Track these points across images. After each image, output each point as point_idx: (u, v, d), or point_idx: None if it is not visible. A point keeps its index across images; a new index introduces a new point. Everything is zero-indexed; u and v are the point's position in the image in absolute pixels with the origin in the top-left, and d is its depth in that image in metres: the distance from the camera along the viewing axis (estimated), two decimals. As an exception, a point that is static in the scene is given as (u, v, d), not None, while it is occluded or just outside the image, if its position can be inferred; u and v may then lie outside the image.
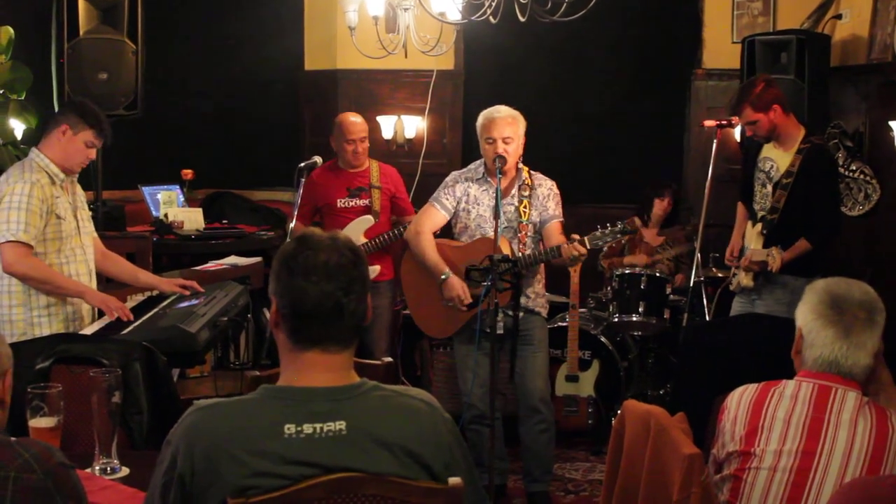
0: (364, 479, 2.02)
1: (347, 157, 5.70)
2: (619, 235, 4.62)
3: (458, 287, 4.75)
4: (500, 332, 4.71)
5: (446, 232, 5.07)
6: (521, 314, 4.82)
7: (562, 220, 4.86)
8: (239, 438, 2.00)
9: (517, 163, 4.83)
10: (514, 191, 4.84)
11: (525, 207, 4.80)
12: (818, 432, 2.51)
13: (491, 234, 4.71)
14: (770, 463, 2.53)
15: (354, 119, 5.77)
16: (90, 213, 4.48)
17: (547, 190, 4.87)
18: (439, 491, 2.08)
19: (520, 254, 4.73)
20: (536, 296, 4.92)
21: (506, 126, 4.72)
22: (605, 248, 4.92)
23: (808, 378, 2.58)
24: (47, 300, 4.12)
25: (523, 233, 4.79)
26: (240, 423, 2.03)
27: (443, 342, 5.74)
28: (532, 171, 4.90)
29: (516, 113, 4.80)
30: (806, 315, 2.60)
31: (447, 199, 4.92)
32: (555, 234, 4.77)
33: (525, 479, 4.99)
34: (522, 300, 4.83)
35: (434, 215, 4.93)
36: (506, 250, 4.70)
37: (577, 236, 4.56)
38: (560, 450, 5.35)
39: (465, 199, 4.89)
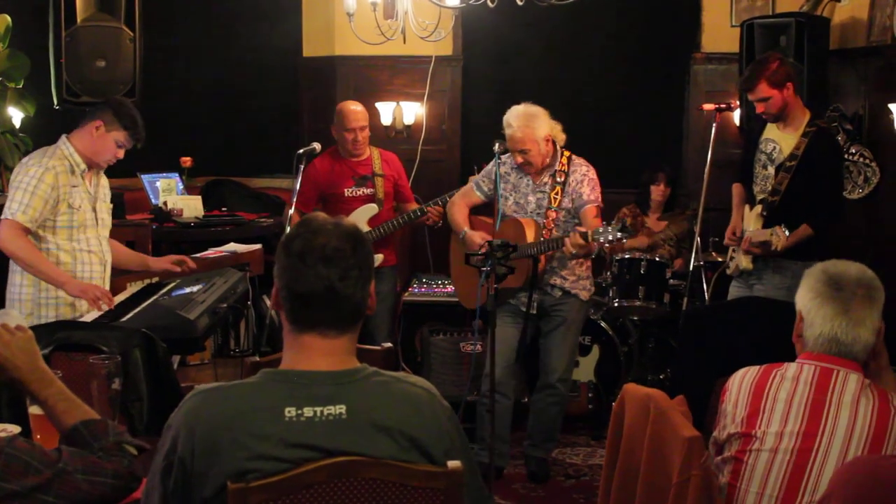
0: (364, 462, 2.02)
1: (348, 146, 5.69)
2: (619, 234, 4.61)
3: (476, 238, 4.92)
4: (533, 311, 4.89)
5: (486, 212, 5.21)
6: (558, 294, 4.93)
7: (598, 204, 4.86)
8: (240, 421, 2.00)
9: (544, 159, 4.84)
10: (547, 179, 4.89)
11: (556, 194, 4.85)
12: (819, 414, 2.51)
13: (523, 218, 4.87)
14: (771, 445, 2.53)
15: (355, 108, 5.72)
16: (111, 207, 4.51)
17: (581, 175, 4.89)
18: (439, 474, 2.07)
19: (543, 238, 4.79)
20: (578, 278, 4.96)
21: (518, 142, 4.79)
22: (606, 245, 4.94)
23: (809, 360, 2.58)
24: None
25: (549, 219, 4.84)
26: (241, 406, 2.03)
27: (443, 328, 5.82)
28: (572, 157, 4.93)
29: (532, 114, 4.79)
30: (804, 297, 2.61)
31: (484, 183, 5.08)
32: (588, 218, 4.80)
33: (526, 442, 5.13)
34: (560, 282, 4.92)
35: (470, 194, 5.15)
36: (529, 233, 4.79)
37: (581, 228, 4.60)
38: (561, 435, 5.36)
39: (502, 186, 4.96)
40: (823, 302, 2.55)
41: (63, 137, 4.25)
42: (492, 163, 5.03)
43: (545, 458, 5.15)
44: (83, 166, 4.22)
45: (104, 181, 4.45)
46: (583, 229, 4.58)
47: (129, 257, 4.64)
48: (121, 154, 4.30)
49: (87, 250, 4.28)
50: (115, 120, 4.21)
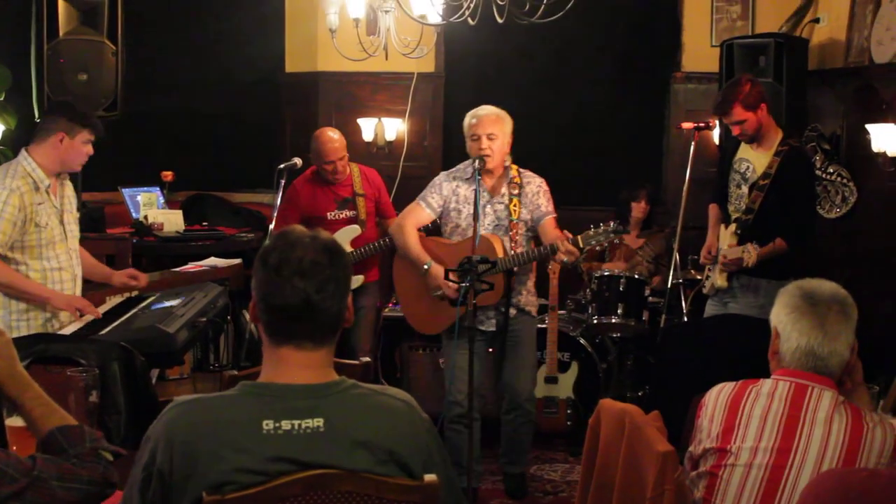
0: (340, 475, 2.02)
1: (328, 176, 5.64)
2: (611, 235, 4.62)
3: (440, 276, 4.77)
4: (492, 329, 4.85)
5: (437, 232, 5.09)
6: (513, 312, 4.88)
7: (555, 215, 4.88)
8: (218, 434, 2.01)
9: (503, 161, 4.85)
10: (504, 189, 4.87)
11: (515, 206, 4.83)
12: (794, 430, 2.52)
13: (489, 233, 4.79)
14: (746, 460, 2.54)
15: (331, 139, 5.62)
16: (77, 216, 4.47)
17: (536, 187, 4.89)
18: (415, 488, 2.08)
19: (512, 252, 4.76)
20: (528, 293, 4.95)
21: (489, 124, 4.78)
22: (598, 248, 4.94)
23: (785, 377, 2.60)
24: (26, 304, 4.12)
25: (514, 231, 4.82)
26: (219, 418, 2.04)
27: (422, 344, 5.80)
28: (521, 169, 4.93)
29: (502, 112, 4.85)
30: (780, 313, 2.62)
31: (433, 199, 4.95)
32: (550, 229, 4.79)
33: (502, 460, 5.12)
34: (515, 298, 4.87)
35: (419, 213, 4.97)
36: (498, 248, 4.73)
37: (569, 234, 4.58)
38: (539, 451, 5.38)
39: (454, 199, 4.91)
40: (800, 316, 2.57)
41: (23, 152, 4.19)
42: (440, 176, 5.00)
43: (522, 472, 5.14)
44: (47, 182, 4.17)
45: (69, 190, 4.39)
46: (570, 236, 4.56)
47: (94, 269, 4.59)
48: (91, 150, 4.27)
49: (58, 268, 4.22)
50: (73, 125, 4.18)
